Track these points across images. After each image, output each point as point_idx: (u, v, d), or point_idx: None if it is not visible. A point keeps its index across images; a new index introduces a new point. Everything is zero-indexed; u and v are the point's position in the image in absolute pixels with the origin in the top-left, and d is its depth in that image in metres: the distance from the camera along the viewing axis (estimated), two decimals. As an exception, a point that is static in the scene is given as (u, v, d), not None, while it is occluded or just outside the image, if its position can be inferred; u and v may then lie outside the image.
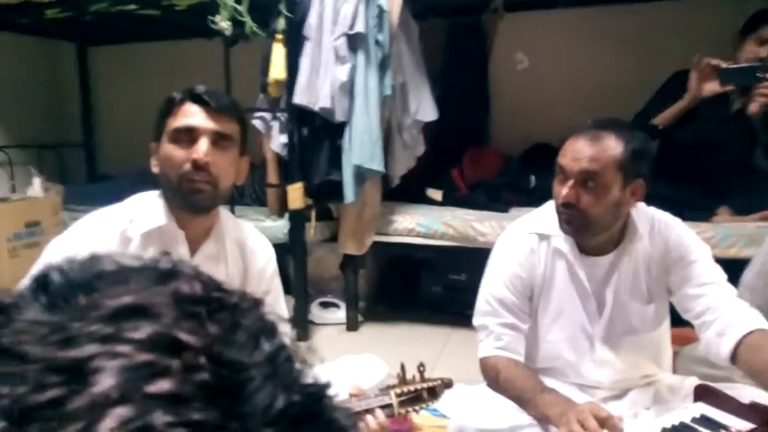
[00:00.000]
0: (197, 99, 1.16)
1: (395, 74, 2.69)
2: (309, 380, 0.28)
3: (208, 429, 0.23)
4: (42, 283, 0.27)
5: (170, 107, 1.17)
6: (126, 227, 1.17)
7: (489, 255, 1.50)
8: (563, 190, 1.29)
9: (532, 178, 3.00)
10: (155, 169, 1.20)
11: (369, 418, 0.98)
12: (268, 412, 0.25)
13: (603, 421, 1.08)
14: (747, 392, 1.27)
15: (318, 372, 0.29)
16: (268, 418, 0.25)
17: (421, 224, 2.77)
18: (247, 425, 0.24)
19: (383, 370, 1.41)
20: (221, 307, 0.28)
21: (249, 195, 3.31)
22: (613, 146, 1.26)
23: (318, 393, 0.28)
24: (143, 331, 0.25)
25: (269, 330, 0.28)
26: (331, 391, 0.29)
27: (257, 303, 0.29)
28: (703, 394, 1.29)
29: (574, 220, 1.31)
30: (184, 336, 0.26)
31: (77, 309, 0.26)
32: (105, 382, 0.23)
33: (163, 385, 0.24)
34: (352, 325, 2.89)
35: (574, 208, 1.29)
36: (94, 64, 4.32)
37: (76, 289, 0.27)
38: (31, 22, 3.38)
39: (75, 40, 4.17)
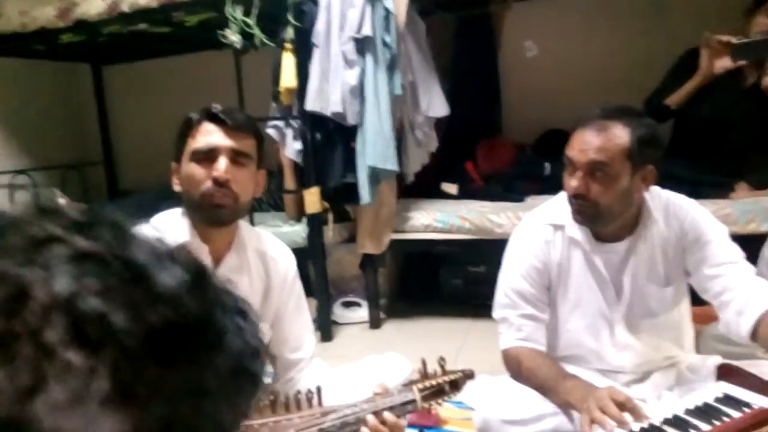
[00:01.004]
0: (214, 118, 1.20)
1: (404, 73, 2.72)
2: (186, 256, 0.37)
3: (127, 297, 0.32)
4: None
5: (188, 128, 1.22)
6: None
7: (507, 246, 1.52)
8: (573, 182, 1.31)
9: (547, 166, 3.00)
10: (177, 188, 1.25)
11: (369, 418, 1.02)
12: (168, 287, 0.33)
13: (622, 405, 1.10)
14: (770, 369, 1.28)
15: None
16: (169, 291, 0.33)
17: (438, 219, 2.79)
18: (156, 296, 0.33)
19: (408, 367, 1.43)
20: (105, 223, 0.35)
21: (267, 201, 3.36)
22: (620, 135, 1.27)
23: (199, 268, 0.37)
24: (61, 250, 0.32)
25: (143, 237, 0.36)
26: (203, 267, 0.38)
27: (125, 217, 0.37)
28: (725, 373, 1.30)
29: (585, 210, 1.33)
30: (89, 247, 0.33)
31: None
32: (47, 289, 0.30)
33: (91, 282, 0.31)
34: (374, 323, 2.93)
35: (584, 198, 1.30)
36: (109, 82, 4.41)
37: None
38: (46, 48, 3.47)
39: (89, 61, 4.27)
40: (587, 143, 1.28)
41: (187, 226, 1.24)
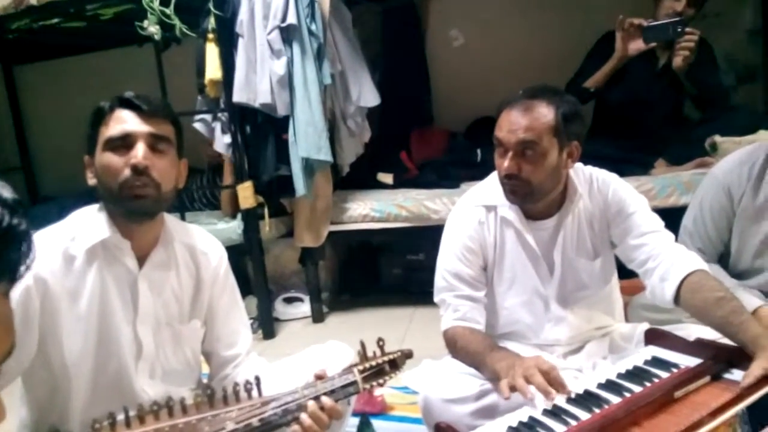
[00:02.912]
0: (128, 104, 1.14)
1: (333, 63, 2.69)
2: None
3: None
4: None
5: (101, 117, 1.15)
6: (68, 245, 1.14)
7: (442, 235, 1.53)
8: (504, 163, 1.33)
9: (479, 152, 3.05)
10: (92, 182, 1.17)
11: (310, 404, 1.01)
12: None
13: (546, 374, 1.11)
14: (694, 331, 1.34)
15: None
16: None
17: (375, 209, 2.79)
18: None
19: (350, 354, 1.42)
20: None
21: (199, 200, 3.27)
22: (546, 113, 1.31)
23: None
24: None
25: None
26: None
27: None
28: (653, 337, 1.35)
29: (518, 190, 1.36)
30: None
31: None
32: None
33: None
34: (317, 317, 2.90)
35: (516, 178, 1.33)
36: (22, 83, 4.17)
37: None
38: (-51, 46, 3.24)
39: (-1, 60, 4.02)
40: (515, 123, 1.31)
41: (105, 222, 1.16)
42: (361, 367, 1.06)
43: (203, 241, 1.33)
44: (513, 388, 1.11)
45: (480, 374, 1.33)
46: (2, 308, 0.44)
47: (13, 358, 1.06)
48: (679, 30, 2.33)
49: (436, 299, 1.49)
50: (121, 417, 0.93)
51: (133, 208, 1.14)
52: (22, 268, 0.45)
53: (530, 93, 1.34)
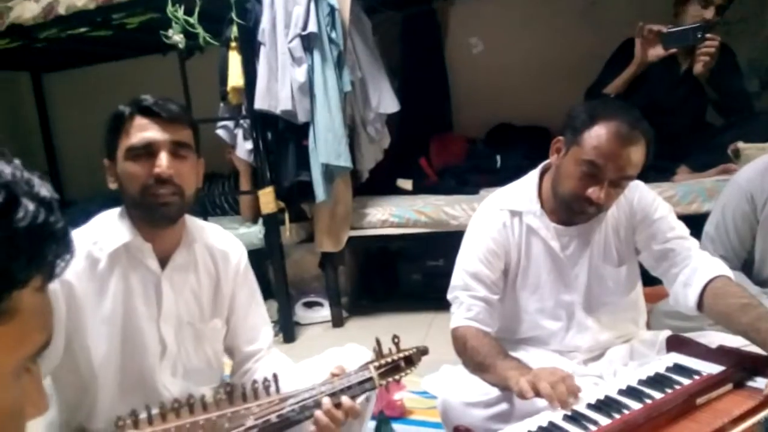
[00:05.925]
0: (147, 111, 1.14)
1: (352, 70, 2.71)
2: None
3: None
4: None
5: (120, 123, 1.15)
6: (91, 249, 1.16)
7: (463, 237, 1.52)
8: (599, 193, 1.28)
9: (498, 158, 3.05)
10: (113, 186, 1.19)
11: (325, 401, 1.02)
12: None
13: (561, 381, 1.09)
14: (716, 338, 1.32)
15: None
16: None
17: (394, 214, 2.80)
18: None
19: (368, 357, 1.43)
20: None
21: (221, 205, 3.31)
22: (643, 148, 1.29)
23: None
24: None
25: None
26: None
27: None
28: (674, 344, 1.33)
29: (592, 214, 1.35)
30: None
31: None
32: None
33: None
34: (337, 322, 2.92)
35: (599, 206, 1.31)
36: (50, 90, 4.27)
37: None
38: (-19, 56, 3.34)
39: (28, 68, 4.12)
40: (626, 159, 1.27)
41: (127, 225, 1.18)
42: (376, 364, 1.07)
43: (222, 239, 1.35)
44: (538, 393, 1.10)
45: (484, 379, 1.31)
46: (37, 302, 0.45)
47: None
48: (699, 35, 2.30)
49: (449, 296, 1.47)
50: (143, 415, 0.95)
51: (158, 215, 1.15)
52: (61, 265, 0.45)
53: (631, 120, 1.28)
